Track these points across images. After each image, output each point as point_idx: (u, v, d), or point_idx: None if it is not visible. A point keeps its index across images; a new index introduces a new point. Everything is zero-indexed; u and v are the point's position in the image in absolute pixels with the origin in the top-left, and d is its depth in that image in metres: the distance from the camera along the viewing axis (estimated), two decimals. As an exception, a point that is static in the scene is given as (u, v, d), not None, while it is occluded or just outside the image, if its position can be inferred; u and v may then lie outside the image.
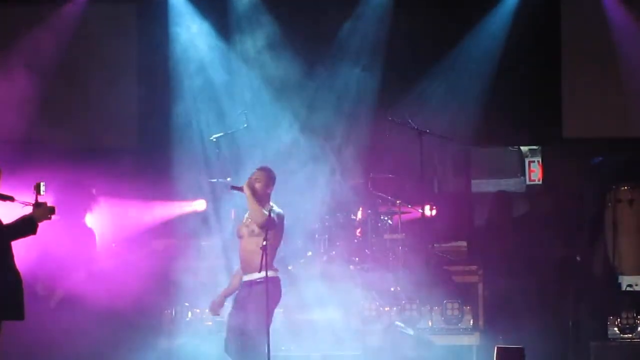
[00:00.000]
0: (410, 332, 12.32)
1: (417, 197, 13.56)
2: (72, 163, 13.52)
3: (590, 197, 13.18)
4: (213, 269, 12.94)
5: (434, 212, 13.54)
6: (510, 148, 14.95)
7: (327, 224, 13.28)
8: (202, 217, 13.67)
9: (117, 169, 13.62)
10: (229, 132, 13.58)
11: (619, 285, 12.94)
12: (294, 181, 12.97)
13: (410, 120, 13.48)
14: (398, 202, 13.48)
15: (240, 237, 10.23)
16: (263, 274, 9.92)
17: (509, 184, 14.68)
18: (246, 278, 10.16)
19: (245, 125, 13.57)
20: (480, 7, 14.39)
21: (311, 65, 14.29)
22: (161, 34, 14.48)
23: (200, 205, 13.43)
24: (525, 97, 14.22)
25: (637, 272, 12.90)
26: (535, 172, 14.66)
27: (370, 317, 12.53)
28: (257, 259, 9.90)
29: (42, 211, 9.28)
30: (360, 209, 13.55)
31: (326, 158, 13.61)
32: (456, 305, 12.59)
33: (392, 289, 13.02)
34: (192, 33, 14.46)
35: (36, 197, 9.26)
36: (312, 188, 13.27)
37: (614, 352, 12.15)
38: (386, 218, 13.51)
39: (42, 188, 9.27)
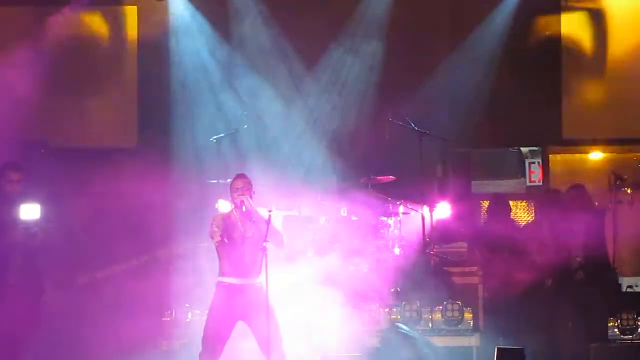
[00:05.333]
0: (410, 333, 12.31)
1: (418, 198, 13.57)
2: (72, 163, 13.57)
3: (591, 198, 13.17)
4: (213, 269, 12.93)
5: (435, 212, 13.54)
6: (511, 149, 14.93)
7: (327, 224, 13.28)
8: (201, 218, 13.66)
9: (117, 170, 13.64)
10: (230, 133, 13.59)
11: (619, 286, 12.93)
12: (293, 182, 12.99)
13: (410, 122, 13.50)
14: (398, 203, 13.48)
15: (239, 243, 10.14)
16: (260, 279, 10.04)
17: (509, 185, 14.67)
18: (248, 281, 10.12)
19: (246, 126, 13.59)
20: (480, 9, 14.39)
21: (311, 64, 14.31)
22: (161, 34, 14.48)
23: (223, 206, 13.40)
24: (525, 98, 14.22)
25: (637, 273, 12.90)
26: (535, 173, 14.65)
27: (370, 318, 12.53)
28: (261, 266, 9.99)
29: None
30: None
31: (327, 158, 13.63)
32: (456, 307, 12.58)
33: (392, 290, 13.01)
34: (192, 34, 14.47)
35: None
36: (312, 188, 13.28)
37: (614, 353, 12.14)
38: (386, 219, 13.50)
39: None
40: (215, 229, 10.03)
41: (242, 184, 10.22)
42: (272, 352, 10.03)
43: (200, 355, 10.16)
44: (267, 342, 9.92)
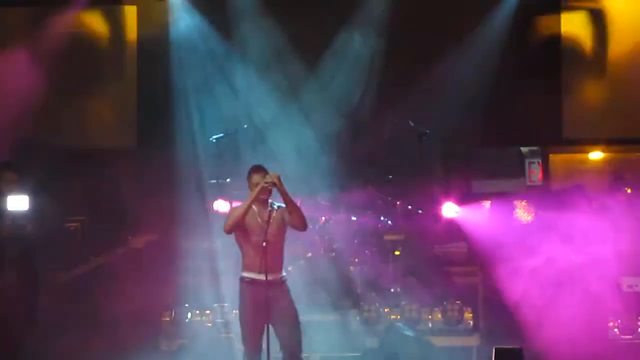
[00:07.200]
0: (410, 333, 12.31)
1: (418, 198, 13.58)
2: (72, 163, 13.58)
3: (590, 197, 13.17)
4: (213, 269, 12.96)
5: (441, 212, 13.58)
6: (511, 149, 14.93)
7: (327, 224, 13.29)
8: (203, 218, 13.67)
9: (117, 170, 13.66)
10: (229, 132, 13.60)
11: (619, 285, 12.93)
12: (294, 181, 12.98)
13: (410, 122, 13.51)
14: (398, 202, 13.48)
15: (257, 235, 9.98)
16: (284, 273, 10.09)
17: (509, 185, 14.66)
18: (270, 276, 9.97)
19: (246, 126, 13.59)
20: (481, 8, 14.38)
21: (311, 65, 14.31)
22: (161, 35, 14.48)
23: (221, 205, 13.41)
24: (525, 97, 14.22)
25: (637, 273, 12.90)
26: (535, 173, 14.64)
27: (370, 318, 12.53)
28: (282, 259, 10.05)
29: None
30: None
31: (326, 158, 13.64)
32: (456, 306, 12.60)
33: (392, 290, 13.02)
34: (192, 34, 14.47)
35: None
36: (312, 188, 13.29)
37: (614, 352, 12.15)
38: (386, 219, 13.50)
39: None
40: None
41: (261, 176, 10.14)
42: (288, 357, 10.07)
43: (243, 353, 10.09)
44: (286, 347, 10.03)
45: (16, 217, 10.16)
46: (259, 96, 14.17)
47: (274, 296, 9.97)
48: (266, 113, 14.08)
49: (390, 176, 13.86)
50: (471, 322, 12.59)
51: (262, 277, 9.90)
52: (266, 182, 9.90)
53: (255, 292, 9.96)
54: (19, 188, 10.24)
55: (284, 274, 10.12)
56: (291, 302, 10.09)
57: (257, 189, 9.96)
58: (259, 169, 10.13)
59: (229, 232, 10.07)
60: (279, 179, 9.92)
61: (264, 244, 9.81)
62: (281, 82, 14.21)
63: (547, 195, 13.82)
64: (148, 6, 14.58)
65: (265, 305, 9.90)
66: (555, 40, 14.60)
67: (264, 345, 10.00)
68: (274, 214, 9.98)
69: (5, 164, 10.50)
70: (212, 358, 12.05)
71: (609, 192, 13.14)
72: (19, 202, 10.14)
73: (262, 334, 9.97)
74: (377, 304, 12.62)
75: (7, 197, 10.15)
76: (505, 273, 12.87)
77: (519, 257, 12.94)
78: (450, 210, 13.69)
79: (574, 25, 14.59)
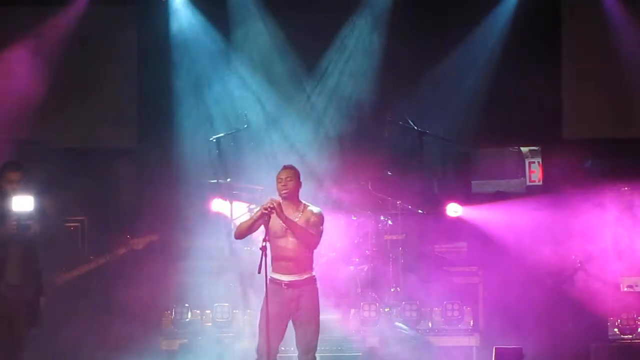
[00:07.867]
0: (410, 332, 12.32)
1: (418, 198, 13.58)
2: (72, 163, 13.59)
3: (590, 198, 13.19)
4: (213, 269, 12.97)
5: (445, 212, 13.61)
6: (511, 149, 14.94)
7: (327, 225, 13.27)
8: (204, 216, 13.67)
9: (117, 169, 13.67)
10: (229, 132, 13.60)
11: (619, 285, 12.94)
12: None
13: (410, 121, 13.51)
14: (398, 202, 13.48)
15: (280, 236, 9.95)
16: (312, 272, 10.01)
17: (509, 185, 14.68)
18: (295, 277, 9.97)
19: (246, 125, 13.59)
20: (480, 8, 14.39)
21: (311, 65, 14.32)
22: (161, 35, 14.49)
23: (217, 205, 13.41)
24: (525, 98, 14.22)
25: (637, 273, 12.90)
26: (535, 173, 14.66)
27: (370, 318, 12.53)
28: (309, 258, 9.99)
29: None
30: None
31: (326, 158, 13.64)
32: (456, 306, 12.60)
33: (392, 290, 13.02)
34: (192, 33, 14.47)
35: None
36: (312, 188, 13.29)
37: (614, 353, 12.15)
38: (386, 218, 13.50)
39: None
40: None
41: (285, 174, 10.05)
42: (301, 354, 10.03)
43: (256, 350, 10.00)
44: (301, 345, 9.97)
45: (21, 217, 10.17)
46: (259, 95, 14.18)
47: (292, 296, 9.92)
48: (266, 112, 14.09)
49: (390, 172, 13.84)
50: (471, 322, 12.59)
51: (284, 277, 9.93)
52: (265, 209, 9.90)
53: (274, 290, 9.93)
54: (23, 188, 10.25)
55: (308, 275, 10.00)
56: (310, 303, 9.96)
57: (257, 212, 10.00)
58: (284, 167, 10.14)
59: (237, 239, 10.26)
60: (279, 204, 9.92)
61: (263, 243, 9.82)
62: (281, 81, 14.22)
63: (547, 195, 13.83)
64: (148, 6, 14.58)
65: (273, 303, 9.88)
66: (556, 40, 14.60)
67: (275, 343, 9.96)
68: (273, 217, 9.96)
69: (9, 164, 10.49)
70: (212, 358, 12.04)
71: (609, 192, 13.14)
72: (24, 203, 10.16)
73: (273, 330, 9.87)
74: (377, 304, 12.61)
75: (12, 197, 10.15)
76: (505, 273, 12.89)
77: (518, 257, 12.97)
78: (453, 210, 13.71)
79: (574, 25, 14.60)
